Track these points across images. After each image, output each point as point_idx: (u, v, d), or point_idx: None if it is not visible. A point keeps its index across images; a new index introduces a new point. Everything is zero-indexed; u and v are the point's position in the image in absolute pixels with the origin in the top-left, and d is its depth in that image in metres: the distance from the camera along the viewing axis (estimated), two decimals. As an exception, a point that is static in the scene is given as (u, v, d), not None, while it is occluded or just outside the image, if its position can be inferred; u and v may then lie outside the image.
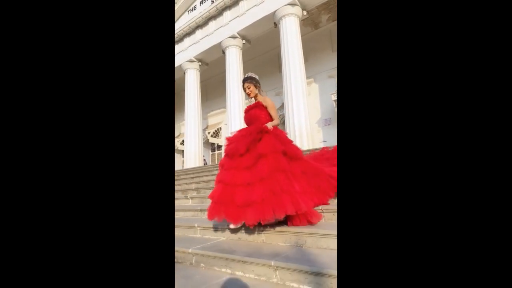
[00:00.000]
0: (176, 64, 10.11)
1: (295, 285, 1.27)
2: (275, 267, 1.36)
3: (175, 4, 10.55)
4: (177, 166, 11.81)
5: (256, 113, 2.02)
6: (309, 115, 6.95)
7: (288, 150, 1.83)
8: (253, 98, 2.11)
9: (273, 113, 2.02)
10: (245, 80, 2.08)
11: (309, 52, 8.75)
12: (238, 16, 8.44)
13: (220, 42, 8.73)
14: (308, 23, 8.69)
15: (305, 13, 7.59)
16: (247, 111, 2.12)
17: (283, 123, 8.57)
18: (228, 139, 1.98)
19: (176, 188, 4.63)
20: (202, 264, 1.68)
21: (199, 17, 9.29)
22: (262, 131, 1.84)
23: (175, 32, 10.00)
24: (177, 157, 12.51)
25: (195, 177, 5.60)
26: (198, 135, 9.60)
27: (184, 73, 9.93)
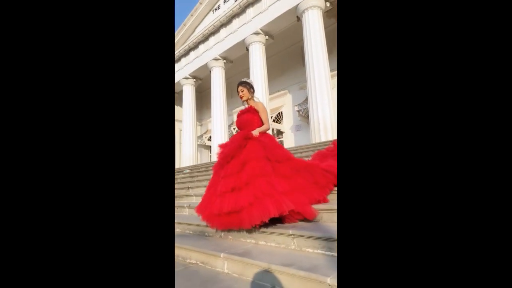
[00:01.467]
0: (202, 63, 10.55)
1: (310, 250, 1.44)
2: (292, 236, 1.53)
3: (200, 5, 10.96)
4: (205, 161, 12.37)
5: (248, 118, 2.10)
6: (333, 108, 6.92)
7: (273, 154, 1.90)
8: (245, 102, 2.19)
9: (264, 118, 2.09)
10: (239, 84, 2.17)
11: (334, 44, 8.63)
12: (260, 13, 8.58)
13: (244, 39, 8.94)
14: (332, 14, 8.55)
15: (328, 4, 7.51)
16: (240, 115, 2.19)
17: (307, 116, 8.59)
18: (220, 146, 2.06)
19: (207, 177, 4.96)
20: (230, 236, 1.91)
21: (223, 16, 9.58)
22: (247, 138, 1.92)
23: (201, 32, 10.43)
24: (205, 152, 13.07)
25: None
26: (224, 131, 9.96)
27: (210, 71, 10.32)
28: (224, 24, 9.84)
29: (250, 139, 1.92)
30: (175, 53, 11.83)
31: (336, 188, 2.01)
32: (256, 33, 8.66)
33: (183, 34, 11.73)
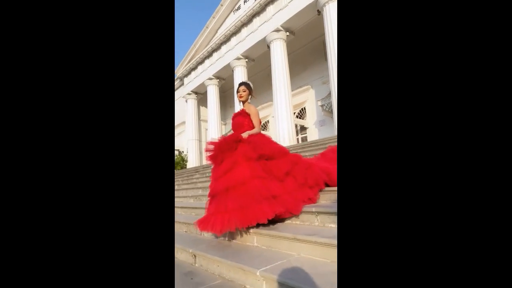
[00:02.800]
0: (225, 63, 10.85)
1: (332, 225, 1.54)
2: (316, 213, 1.65)
3: (221, 7, 11.28)
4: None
5: (239, 121, 2.16)
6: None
7: (265, 150, 1.93)
8: (241, 103, 2.24)
9: (255, 120, 2.13)
10: (241, 84, 2.22)
11: (356, 35, 8.42)
12: (281, 9, 8.64)
13: (265, 37, 9.07)
14: (354, 5, 8.36)
15: (349, -5, 7.37)
16: (233, 118, 2.25)
17: (330, 111, 8.50)
18: (207, 149, 1.99)
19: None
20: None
21: (244, 16, 9.79)
22: (237, 141, 1.94)
23: (223, 33, 10.73)
24: (229, 150, 13.42)
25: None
26: (248, 128, 10.17)
27: (233, 71, 10.59)
28: (245, 24, 10.04)
29: (240, 141, 1.94)
30: (199, 55, 12.29)
31: (333, 188, 1.98)
32: (277, 30, 8.74)
33: (206, 36, 12.14)
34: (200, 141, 13.49)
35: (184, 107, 14.10)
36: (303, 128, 10.51)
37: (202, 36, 12.24)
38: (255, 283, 1.22)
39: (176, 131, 16.33)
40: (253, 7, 9.41)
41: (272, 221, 1.70)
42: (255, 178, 1.73)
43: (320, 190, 1.97)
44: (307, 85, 10.31)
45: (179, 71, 13.97)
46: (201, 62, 12.45)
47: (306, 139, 10.03)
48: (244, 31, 10.11)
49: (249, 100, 2.23)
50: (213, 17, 11.68)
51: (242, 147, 1.90)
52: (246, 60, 10.40)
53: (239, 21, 10.03)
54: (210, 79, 11.86)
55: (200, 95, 13.36)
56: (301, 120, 10.40)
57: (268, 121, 11.92)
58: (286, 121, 8.33)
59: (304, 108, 10.48)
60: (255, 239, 1.68)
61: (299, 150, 4.95)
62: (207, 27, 11.97)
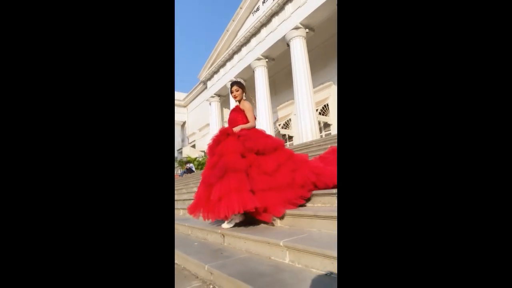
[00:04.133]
0: (246, 64, 11.07)
1: (353, 205, 1.60)
2: (336, 195, 1.71)
3: (240, 10, 11.53)
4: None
5: (233, 117, 2.23)
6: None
7: (256, 144, 1.96)
8: (237, 102, 2.28)
9: (249, 115, 2.18)
10: (234, 84, 2.28)
11: (379, 27, 8.17)
12: (299, 7, 8.65)
13: (284, 36, 9.13)
14: (375, -4, 8.13)
15: (370, -14, 7.19)
16: (229, 114, 2.31)
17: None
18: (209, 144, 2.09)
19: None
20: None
21: (263, 16, 9.93)
22: (226, 134, 2.01)
23: (243, 35, 10.96)
24: (252, 150, 13.61)
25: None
26: (270, 128, 10.27)
27: (253, 71, 10.77)
28: (264, 24, 10.18)
29: (229, 135, 2.00)
30: (220, 58, 12.65)
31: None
32: (296, 28, 8.76)
33: (227, 39, 12.47)
34: (224, 142, 13.84)
35: (208, 110, 14.58)
36: (326, 125, 10.37)
37: (222, 40, 12.59)
38: (279, 253, 1.32)
39: (201, 133, 16.90)
40: (272, 7, 9.52)
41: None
42: (230, 171, 1.76)
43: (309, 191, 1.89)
44: (329, 81, 10.17)
45: (202, 75, 14.48)
46: (222, 65, 12.81)
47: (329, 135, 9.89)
48: (264, 31, 10.25)
49: (244, 98, 2.27)
50: (233, 20, 11.97)
51: (230, 140, 1.96)
52: (266, 60, 10.52)
53: (258, 22, 10.19)
54: (231, 81, 12.13)
55: (223, 97, 13.73)
56: (324, 117, 10.27)
57: (290, 119, 11.92)
58: (308, 118, 8.30)
59: (327, 105, 10.34)
60: (278, 220, 1.78)
61: (321, 143, 4.94)
62: (227, 31, 12.30)
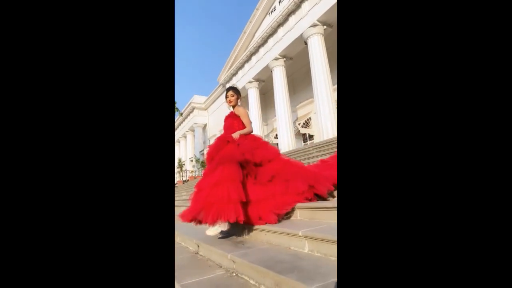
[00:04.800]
0: (264, 64, 11.13)
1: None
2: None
3: (257, 11, 11.63)
4: (274, 158, 12.90)
5: (229, 123, 2.21)
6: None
7: (254, 155, 1.94)
8: (231, 107, 2.28)
9: (245, 121, 2.17)
10: (229, 89, 2.27)
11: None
12: (316, 4, 8.56)
13: (301, 34, 9.07)
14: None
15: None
16: (224, 120, 2.30)
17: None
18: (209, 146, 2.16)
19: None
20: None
21: (279, 16, 9.95)
22: (225, 141, 2.01)
23: (260, 36, 11.05)
24: (272, 150, 13.63)
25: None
26: (289, 127, 10.24)
27: (271, 71, 10.81)
28: (281, 24, 10.19)
29: (229, 142, 2.00)
30: (238, 60, 12.84)
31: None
32: (314, 25, 8.67)
33: (244, 41, 12.63)
34: (244, 142, 14.03)
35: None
36: (347, 123, 10.10)
37: (240, 42, 12.77)
38: (298, 243, 1.35)
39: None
40: (288, 6, 9.50)
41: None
42: (227, 181, 1.74)
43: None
44: (349, 77, 9.93)
45: (221, 78, 14.78)
46: (240, 67, 12.99)
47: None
48: (281, 31, 10.26)
49: (239, 103, 2.27)
50: (250, 22, 12.11)
51: (230, 148, 1.95)
52: (284, 59, 10.51)
53: (275, 22, 10.22)
54: (250, 82, 12.28)
55: (242, 99, 13.89)
56: (344, 114, 10.02)
57: (310, 118, 11.79)
58: (329, 115, 8.18)
59: (347, 102, 10.09)
60: (298, 213, 1.81)
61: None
62: (244, 32, 12.46)
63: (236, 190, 1.71)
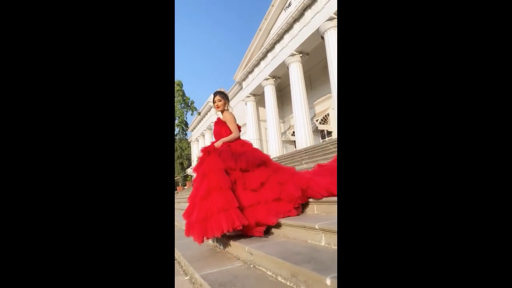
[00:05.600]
0: (280, 61, 11.06)
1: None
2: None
3: (272, 7, 11.56)
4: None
5: (218, 130, 2.16)
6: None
7: (239, 161, 1.88)
8: (219, 112, 2.20)
9: (231, 126, 2.09)
10: (216, 94, 2.20)
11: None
12: (333, -3, 8.37)
13: (318, 28, 8.91)
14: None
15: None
16: (214, 127, 2.23)
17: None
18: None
19: (292, 163, 5.33)
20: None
21: (295, 11, 9.82)
22: (207, 151, 1.97)
23: (276, 33, 10.98)
24: (289, 148, 13.56)
25: (310, 154, 6.14)
26: (307, 124, 10.12)
27: (288, 68, 10.72)
28: (296, 19, 10.06)
29: (210, 152, 1.96)
30: (254, 58, 12.85)
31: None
32: (331, 19, 8.48)
33: (260, 38, 12.61)
34: (260, 140, 14.05)
35: (244, 110, 14.94)
36: (367, 118, 9.81)
37: (256, 39, 12.77)
38: (315, 236, 1.35)
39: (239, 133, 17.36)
40: (304, 0, 9.36)
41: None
42: (215, 190, 1.71)
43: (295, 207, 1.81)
44: (368, 71, 9.62)
45: (237, 76, 14.88)
46: (256, 64, 12.99)
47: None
48: (296, 26, 10.13)
49: (226, 108, 2.19)
50: (265, 19, 12.06)
51: (211, 158, 1.91)
52: (301, 55, 10.38)
53: (291, 17, 10.10)
54: (266, 79, 12.26)
55: (258, 96, 13.92)
56: (364, 109, 9.74)
57: (328, 114, 11.57)
58: (346, 111, 7.99)
59: (367, 96, 9.79)
60: (315, 207, 1.81)
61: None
62: (260, 30, 12.43)
63: (223, 197, 1.68)
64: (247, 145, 2.11)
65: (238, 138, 2.11)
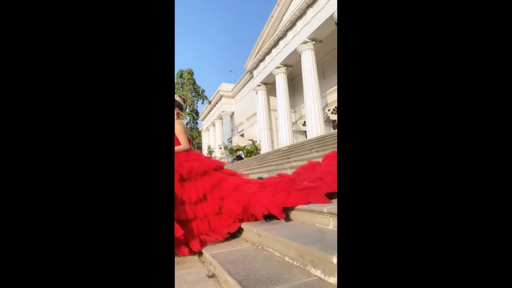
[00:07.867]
0: (292, 49, 10.83)
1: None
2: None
3: (286, -7, 11.22)
4: (301, 145, 12.74)
5: None
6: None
7: (181, 168, 1.78)
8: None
9: (181, 139, 2.01)
10: None
11: None
12: (348, -20, 8.02)
13: (332, 14, 8.61)
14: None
15: None
16: None
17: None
18: None
19: (303, 151, 5.32)
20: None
21: (309, -4, 9.51)
22: None
23: (288, 19, 10.71)
24: (300, 138, 13.46)
25: (321, 144, 6.11)
26: (319, 113, 9.97)
27: (300, 56, 10.49)
28: (310, 4, 9.75)
29: None
30: (266, 46, 12.63)
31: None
32: (345, 4, 8.17)
33: (272, 25, 12.34)
34: (271, 130, 14.01)
35: (255, 99, 14.85)
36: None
37: (267, 27, 12.51)
38: (323, 220, 1.36)
39: (249, 122, 17.36)
40: (318, -15, 9.03)
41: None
42: None
43: (240, 220, 1.73)
44: (383, 59, 9.29)
45: (248, 64, 14.73)
46: (268, 52, 12.78)
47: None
48: (310, 12, 9.83)
49: (178, 117, 2.10)
50: (278, 5, 11.75)
51: None
52: (313, 42, 10.11)
53: (304, 3, 9.80)
54: (278, 67, 12.07)
55: (269, 85, 13.78)
56: (378, 98, 9.48)
57: (340, 103, 11.35)
58: (359, 100, 7.81)
59: (381, 85, 9.49)
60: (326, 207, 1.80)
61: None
62: (272, 16, 12.15)
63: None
64: (194, 154, 2.05)
65: (188, 149, 2.04)
